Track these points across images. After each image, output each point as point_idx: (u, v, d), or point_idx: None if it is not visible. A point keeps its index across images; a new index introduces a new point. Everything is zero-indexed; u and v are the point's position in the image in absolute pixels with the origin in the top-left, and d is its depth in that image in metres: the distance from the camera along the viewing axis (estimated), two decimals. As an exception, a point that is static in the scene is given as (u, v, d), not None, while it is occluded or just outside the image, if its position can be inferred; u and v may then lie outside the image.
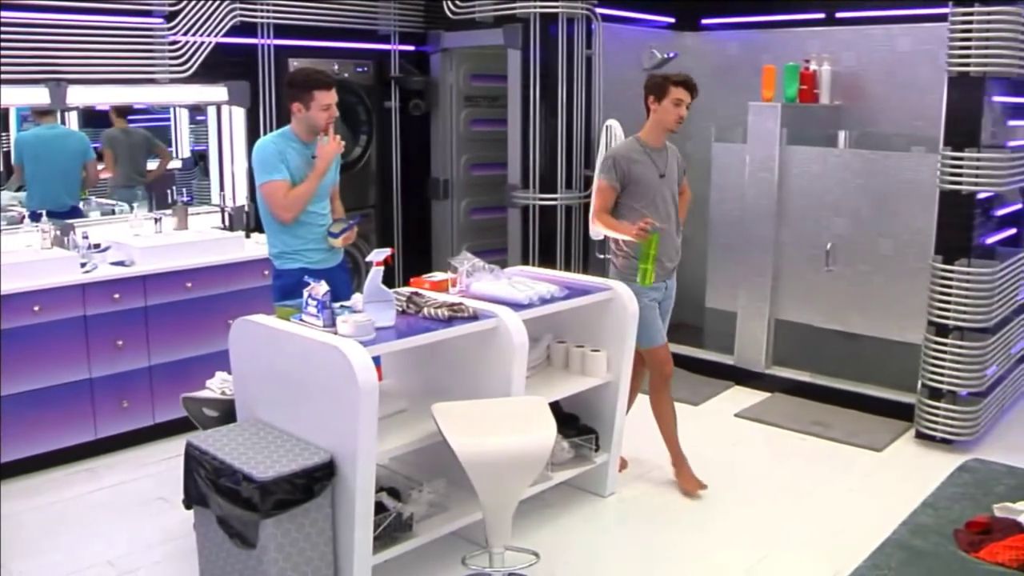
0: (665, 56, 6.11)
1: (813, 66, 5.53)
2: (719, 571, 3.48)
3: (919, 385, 4.73)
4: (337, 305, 3.27)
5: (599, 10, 5.71)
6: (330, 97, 3.81)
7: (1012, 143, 4.64)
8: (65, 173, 4.92)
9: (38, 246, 4.52)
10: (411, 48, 6.45)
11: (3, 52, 4.35)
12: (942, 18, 4.53)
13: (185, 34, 5.06)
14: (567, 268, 5.74)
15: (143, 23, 4.92)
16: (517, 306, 3.55)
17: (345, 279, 4.10)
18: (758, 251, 5.51)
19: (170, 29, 5.00)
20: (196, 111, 5.48)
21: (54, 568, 3.46)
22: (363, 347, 2.96)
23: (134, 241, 4.70)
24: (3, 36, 4.35)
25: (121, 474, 4.31)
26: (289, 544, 2.91)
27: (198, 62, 5.12)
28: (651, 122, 4.01)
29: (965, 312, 4.48)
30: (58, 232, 4.60)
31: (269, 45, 5.56)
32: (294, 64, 5.67)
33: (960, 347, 4.53)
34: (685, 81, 3.98)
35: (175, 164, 5.52)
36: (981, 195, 4.48)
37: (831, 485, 4.22)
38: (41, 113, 4.76)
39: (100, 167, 5.14)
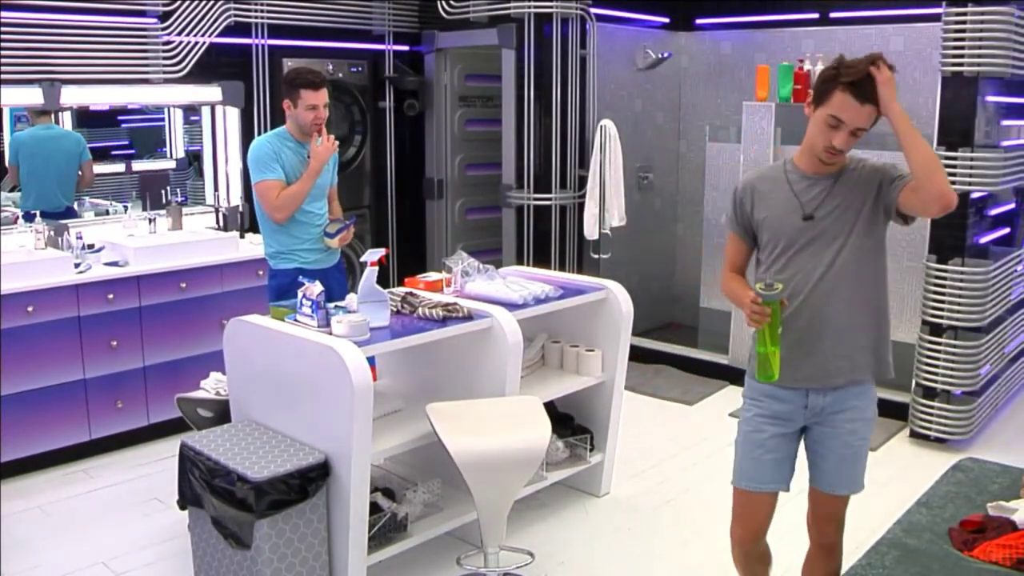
0: (659, 56, 6.13)
1: (807, 66, 5.54)
2: (713, 571, 3.48)
3: (913, 384, 4.74)
4: (332, 305, 3.27)
5: (593, 10, 5.72)
6: (316, 97, 3.80)
7: (1006, 143, 4.66)
8: (61, 173, 4.91)
9: (32, 246, 4.51)
10: (405, 48, 6.45)
11: (-4, 52, 4.35)
12: (935, 18, 4.55)
13: (179, 34, 5.05)
14: (561, 268, 5.75)
15: (137, 23, 4.91)
16: (512, 306, 3.55)
17: (341, 280, 4.10)
18: (753, 251, 5.50)
19: (164, 29, 5.00)
20: (190, 111, 5.47)
21: (49, 569, 3.46)
22: (358, 347, 2.96)
23: (128, 241, 4.69)
24: (-4, 36, 4.35)
25: (115, 475, 4.30)
26: (284, 544, 2.91)
27: (192, 62, 5.11)
28: (805, 137, 2.60)
29: (959, 311, 4.49)
30: (52, 232, 4.60)
31: (263, 45, 5.55)
32: (288, 64, 5.66)
33: (954, 346, 4.54)
34: (856, 83, 2.41)
35: (169, 164, 5.50)
36: (975, 195, 4.49)
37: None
38: (37, 113, 4.75)
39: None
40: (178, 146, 5.51)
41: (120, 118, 5.29)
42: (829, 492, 2.69)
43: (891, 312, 2.60)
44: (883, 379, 2.52)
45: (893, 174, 2.50)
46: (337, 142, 3.94)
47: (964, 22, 4.30)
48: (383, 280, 3.68)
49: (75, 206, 5.01)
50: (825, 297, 2.48)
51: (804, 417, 2.57)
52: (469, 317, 3.37)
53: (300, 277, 3.38)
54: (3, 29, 4.37)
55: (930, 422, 4.64)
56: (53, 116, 4.83)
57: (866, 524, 3.63)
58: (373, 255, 3.26)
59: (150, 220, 5.03)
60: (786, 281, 2.48)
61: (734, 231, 2.72)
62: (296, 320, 3.23)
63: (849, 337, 2.50)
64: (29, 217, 4.70)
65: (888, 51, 5.42)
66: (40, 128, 4.80)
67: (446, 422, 3.03)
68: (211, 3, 5.18)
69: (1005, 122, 4.71)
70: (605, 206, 5.57)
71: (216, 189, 5.48)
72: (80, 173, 4.95)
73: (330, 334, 3.06)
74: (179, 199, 5.27)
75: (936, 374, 4.60)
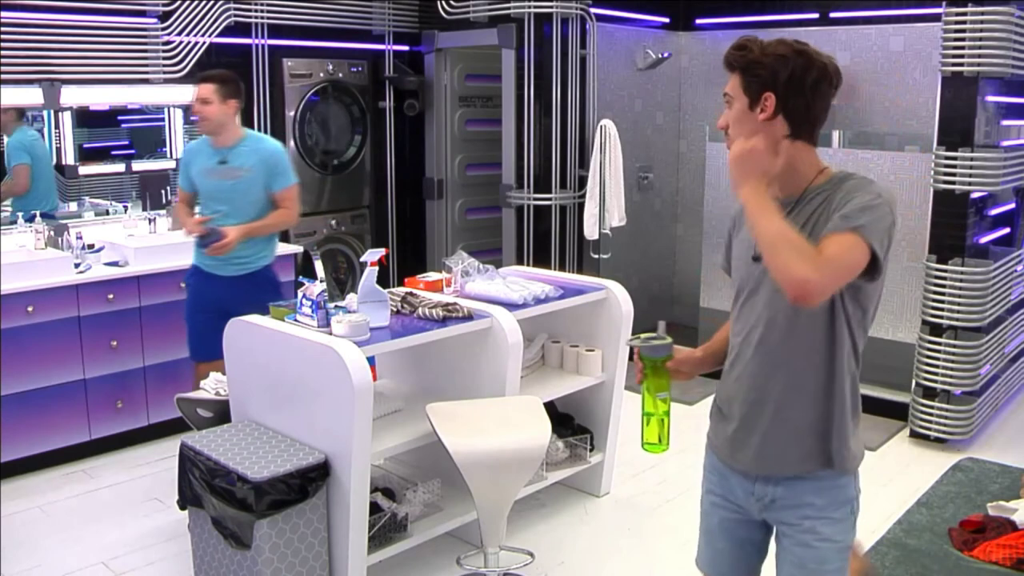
0: (659, 56, 6.13)
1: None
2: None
3: (913, 384, 4.73)
4: (332, 305, 3.27)
5: (593, 10, 5.71)
6: (199, 90, 3.89)
7: (1006, 143, 4.66)
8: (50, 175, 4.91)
9: (32, 246, 4.51)
10: (405, 48, 6.45)
11: (-4, 52, 4.36)
12: (936, 18, 4.55)
13: (179, 34, 5.05)
14: (561, 268, 5.74)
15: (137, 23, 4.91)
16: (512, 306, 3.55)
17: (251, 292, 3.91)
18: (752, 251, 5.50)
19: (164, 29, 5.00)
20: (190, 111, 5.47)
21: (49, 569, 3.46)
22: (358, 347, 2.96)
23: (128, 241, 4.69)
24: (-4, 36, 4.35)
25: (115, 475, 4.30)
26: (284, 544, 2.91)
27: (192, 62, 5.11)
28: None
29: (959, 311, 4.49)
30: (52, 232, 4.60)
31: (263, 45, 5.55)
32: (288, 64, 5.68)
33: (954, 346, 4.54)
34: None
35: (169, 164, 5.50)
36: (975, 195, 4.49)
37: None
38: (19, 116, 4.74)
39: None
40: (178, 146, 5.50)
41: (120, 118, 5.28)
42: None
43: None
44: (845, 473, 1.98)
45: (835, 215, 1.84)
46: (227, 240, 3.85)
47: (964, 22, 4.31)
48: (383, 280, 3.67)
49: (74, 207, 5.02)
50: (765, 363, 1.98)
51: (755, 507, 2.07)
52: (469, 317, 3.37)
53: (190, 276, 3.82)
54: (3, 29, 4.37)
55: (930, 422, 4.64)
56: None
57: (866, 524, 3.63)
58: (373, 255, 3.26)
59: (150, 220, 5.03)
60: (733, 337, 2.07)
61: (723, 268, 2.23)
62: (296, 320, 3.23)
63: (792, 417, 1.97)
64: (29, 217, 4.70)
65: (888, 51, 5.42)
66: (25, 130, 4.81)
67: (446, 422, 3.03)
68: (211, 3, 5.18)
69: (1005, 122, 4.71)
70: (605, 206, 5.57)
71: (216, 189, 5.48)
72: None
73: (330, 334, 3.06)
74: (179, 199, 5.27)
75: (936, 374, 4.60)
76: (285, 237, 5.69)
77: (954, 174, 4.42)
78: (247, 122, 5.49)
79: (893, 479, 4.25)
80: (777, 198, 1.91)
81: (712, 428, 2.17)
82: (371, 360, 3.23)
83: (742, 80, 1.90)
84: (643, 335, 2.12)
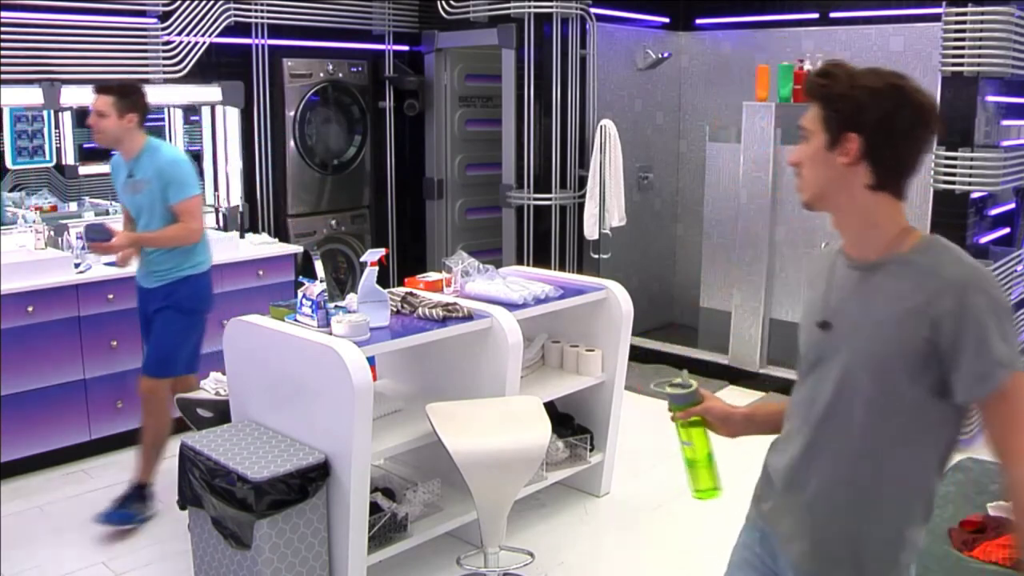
0: (659, 56, 6.13)
1: (807, 66, 5.53)
2: (712, 571, 3.48)
3: (913, 384, 4.72)
4: (332, 305, 3.27)
5: (593, 10, 5.72)
6: (95, 102, 3.67)
7: (1006, 143, 4.66)
8: None
9: (32, 246, 4.51)
10: (405, 48, 6.45)
11: (-4, 52, 4.35)
12: (935, 18, 4.55)
13: (179, 34, 5.05)
14: (561, 268, 5.75)
15: (137, 23, 4.91)
16: (512, 306, 3.55)
17: (167, 303, 3.80)
18: (752, 250, 5.51)
19: (164, 29, 4.99)
20: (190, 111, 5.47)
21: (48, 569, 3.45)
22: (358, 347, 2.96)
23: (128, 241, 4.69)
24: (-4, 36, 4.35)
25: (115, 475, 4.29)
26: (284, 544, 2.91)
27: (192, 62, 5.11)
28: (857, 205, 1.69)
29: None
30: (52, 232, 4.59)
31: (263, 45, 5.55)
32: (288, 64, 5.67)
33: (954, 346, 4.53)
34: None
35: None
36: (975, 195, 4.49)
37: (825, 484, 4.22)
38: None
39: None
40: (178, 146, 5.51)
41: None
42: None
43: (919, 511, 1.65)
44: None
45: (978, 353, 1.50)
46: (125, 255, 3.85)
47: (964, 22, 4.31)
48: (383, 280, 3.67)
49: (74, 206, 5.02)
50: (812, 448, 1.70)
51: (765, 551, 1.85)
52: (469, 317, 3.37)
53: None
54: (3, 29, 4.37)
55: (930, 422, 4.63)
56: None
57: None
58: (373, 255, 3.26)
59: (150, 220, 5.02)
60: (792, 405, 1.83)
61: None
62: (296, 320, 3.23)
63: (823, 517, 1.69)
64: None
65: (888, 51, 5.43)
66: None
67: (446, 422, 3.03)
68: (211, 3, 5.18)
69: (1005, 122, 4.72)
70: (605, 206, 5.57)
71: (216, 189, 5.49)
72: None
73: (330, 334, 3.06)
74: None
75: (936, 374, 4.58)
76: (285, 237, 5.71)
77: (954, 174, 4.42)
78: (247, 122, 5.51)
79: (893, 479, 4.25)
80: (850, 257, 1.70)
81: (760, 489, 1.91)
82: (371, 360, 3.23)
83: (822, 113, 1.61)
84: (669, 384, 1.99)
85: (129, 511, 3.74)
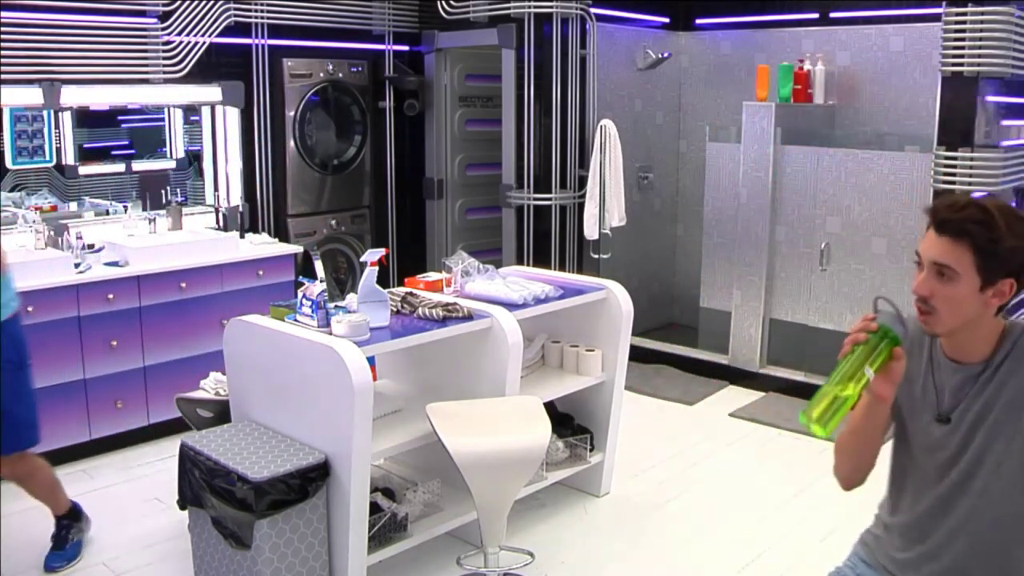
0: (659, 56, 6.13)
1: (807, 66, 5.55)
2: (713, 570, 3.48)
3: (913, 384, 4.72)
4: (332, 305, 3.27)
5: (593, 10, 5.72)
6: None
7: (1006, 143, 4.66)
8: None
9: (32, 246, 4.51)
10: (405, 48, 6.45)
11: (-4, 52, 4.36)
12: (935, 18, 4.55)
13: (179, 34, 5.05)
14: (561, 268, 5.75)
15: (137, 23, 4.91)
16: (512, 306, 3.54)
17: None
18: (752, 250, 5.51)
19: (164, 29, 5.00)
20: (190, 111, 5.47)
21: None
22: (358, 347, 2.96)
23: (128, 241, 4.69)
24: (-4, 36, 4.35)
25: (115, 475, 4.30)
26: (284, 544, 2.91)
27: (192, 62, 5.11)
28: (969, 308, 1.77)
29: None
30: (52, 232, 4.60)
31: (263, 45, 5.55)
32: (288, 64, 5.68)
33: (954, 346, 4.53)
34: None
35: (170, 164, 5.50)
36: (975, 195, 4.48)
37: (825, 484, 4.21)
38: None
39: None
40: (178, 146, 5.51)
41: (120, 118, 5.28)
42: None
43: None
44: None
45: None
46: None
47: (964, 22, 4.31)
48: (383, 280, 3.67)
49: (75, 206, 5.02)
50: (958, 556, 1.82)
51: None
52: (469, 317, 3.37)
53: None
54: (3, 29, 4.37)
55: (930, 422, 4.63)
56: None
57: (865, 524, 3.63)
58: (373, 255, 3.26)
59: (150, 220, 5.02)
60: (923, 512, 1.89)
61: None
62: (296, 320, 3.23)
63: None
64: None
65: (888, 51, 5.43)
66: None
67: (446, 422, 3.03)
68: (211, 3, 5.18)
69: (1005, 122, 4.71)
70: (605, 206, 5.57)
71: (216, 189, 5.49)
72: None
73: (330, 334, 3.06)
74: (179, 199, 5.27)
75: (936, 374, 4.58)
76: (285, 237, 5.71)
77: (954, 174, 4.42)
78: (247, 122, 5.51)
79: (893, 479, 4.25)
80: (956, 363, 1.81)
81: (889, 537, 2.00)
82: (371, 360, 3.24)
83: (977, 259, 1.67)
84: (895, 317, 1.81)
85: (73, 541, 3.52)
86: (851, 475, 1.96)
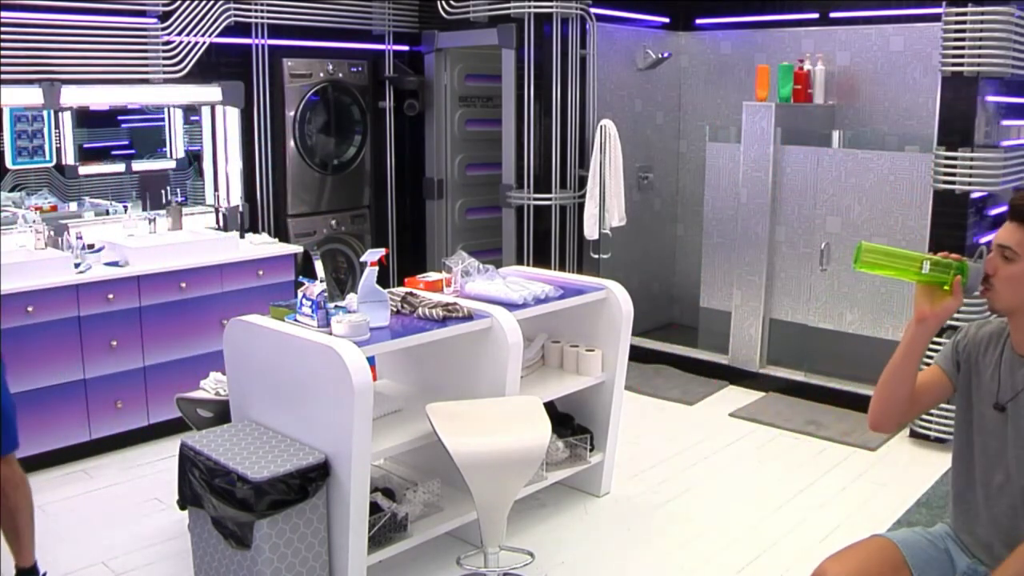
0: (659, 56, 6.13)
1: (807, 66, 5.54)
2: (713, 570, 3.48)
3: (913, 384, 4.73)
4: (332, 305, 3.27)
5: (593, 10, 5.72)
6: None
7: (1006, 143, 4.66)
8: None
9: (32, 246, 4.51)
10: (405, 48, 6.45)
11: (-4, 52, 4.36)
12: (935, 18, 4.55)
13: (179, 34, 5.05)
14: (562, 268, 5.75)
15: (137, 23, 4.91)
16: (512, 306, 3.55)
17: None
18: (752, 250, 5.51)
19: (164, 29, 5.00)
20: (190, 111, 5.47)
21: (49, 569, 3.44)
22: (358, 347, 2.96)
23: (128, 241, 4.69)
24: (-4, 36, 4.35)
25: (115, 475, 4.30)
26: (284, 544, 2.91)
27: (192, 62, 5.11)
28: None
29: (959, 311, 4.48)
30: (52, 232, 4.60)
31: (263, 45, 5.55)
32: (288, 64, 5.68)
33: (954, 346, 4.53)
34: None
35: (170, 164, 5.50)
36: (975, 195, 4.49)
37: (825, 484, 4.22)
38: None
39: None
40: (178, 146, 5.51)
41: (120, 118, 5.28)
42: None
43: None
44: None
45: None
46: None
47: (964, 22, 4.30)
48: (383, 280, 3.67)
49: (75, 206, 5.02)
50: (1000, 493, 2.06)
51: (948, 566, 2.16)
52: (469, 317, 3.37)
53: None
54: (3, 29, 4.37)
55: (930, 422, 4.64)
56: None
57: (866, 524, 3.64)
58: (373, 255, 3.26)
59: (150, 220, 5.02)
60: (982, 474, 2.10)
61: (939, 365, 2.21)
62: (296, 320, 3.23)
63: (1004, 523, 2.05)
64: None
65: (888, 51, 5.43)
66: None
67: (446, 422, 3.03)
68: (211, 3, 5.18)
69: (1005, 122, 4.71)
70: (605, 206, 5.57)
71: (216, 189, 5.49)
72: None
73: (330, 334, 3.06)
74: (179, 199, 5.27)
75: (936, 374, 4.58)
76: (285, 237, 5.71)
77: (954, 174, 4.42)
78: (247, 122, 5.51)
79: (893, 479, 4.25)
80: (1022, 357, 2.00)
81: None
82: (371, 360, 3.23)
83: None
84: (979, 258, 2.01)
85: None
86: (879, 415, 2.13)
